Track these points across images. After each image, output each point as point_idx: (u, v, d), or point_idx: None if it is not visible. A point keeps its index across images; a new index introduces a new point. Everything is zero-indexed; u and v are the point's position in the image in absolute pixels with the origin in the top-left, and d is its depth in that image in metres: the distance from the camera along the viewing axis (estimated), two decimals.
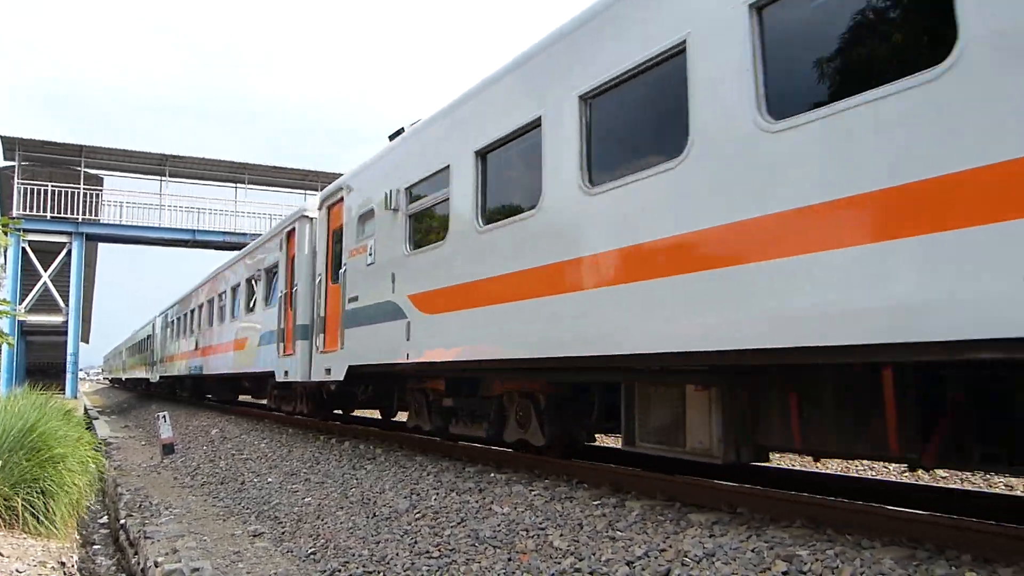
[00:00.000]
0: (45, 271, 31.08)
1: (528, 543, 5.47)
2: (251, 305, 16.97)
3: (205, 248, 35.58)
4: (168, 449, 14.01)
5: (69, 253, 31.50)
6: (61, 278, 31.77)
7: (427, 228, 8.76)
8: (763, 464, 7.31)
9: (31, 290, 31.34)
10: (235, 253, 20.91)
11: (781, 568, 4.14)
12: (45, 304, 32.37)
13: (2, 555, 6.49)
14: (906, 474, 8.88)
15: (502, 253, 7.04)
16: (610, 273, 5.73)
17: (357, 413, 15.70)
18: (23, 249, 30.24)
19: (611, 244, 5.74)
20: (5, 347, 22.80)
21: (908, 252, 3.74)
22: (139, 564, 7.13)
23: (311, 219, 12.88)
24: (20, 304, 29.38)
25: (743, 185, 4.70)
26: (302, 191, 37.20)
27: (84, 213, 32.02)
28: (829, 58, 4.46)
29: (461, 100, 8.22)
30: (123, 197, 33.79)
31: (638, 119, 5.93)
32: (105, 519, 11.15)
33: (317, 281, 12.09)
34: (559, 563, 4.95)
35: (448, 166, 8.08)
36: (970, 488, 7.77)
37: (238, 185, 35.99)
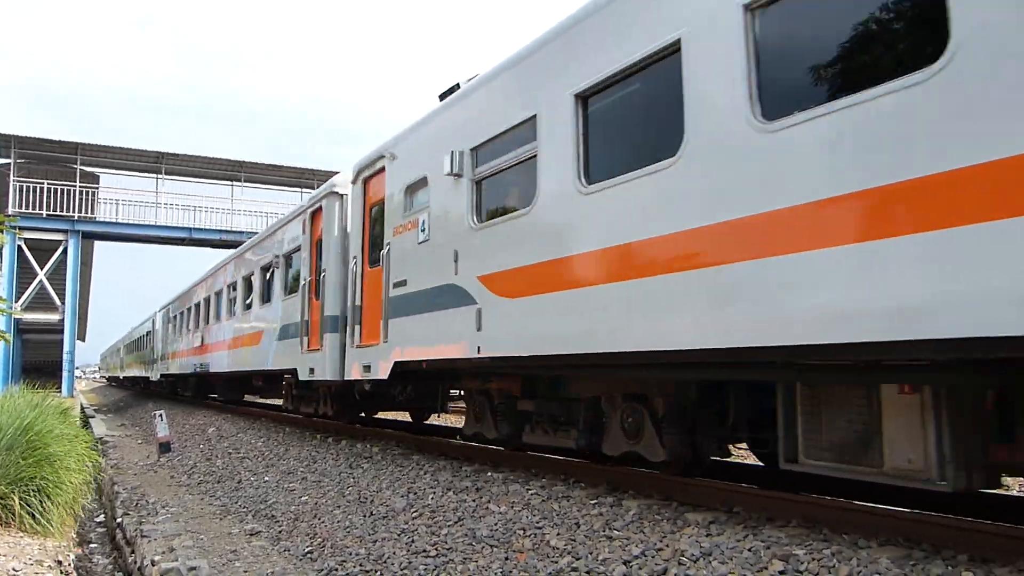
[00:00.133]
0: (41, 269, 31.05)
1: (525, 542, 5.47)
2: (266, 296, 15.40)
3: (201, 246, 35.60)
4: (165, 448, 13.99)
5: (65, 251, 31.49)
6: (57, 276, 31.76)
7: (502, 194, 7.45)
8: (761, 464, 7.32)
9: (27, 288, 31.29)
10: (245, 242, 19.12)
11: (778, 567, 4.15)
12: (41, 302, 32.33)
13: None
14: None
15: (617, 218, 5.72)
16: (798, 235, 4.36)
17: (381, 415, 14.69)
18: (19, 247, 30.21)
19: (802, 197, 4.37)
20: (1, 345, 22.77)
21: None
22: (136, 563, 7.12)
23: (341, 196, 11.43)
24: (16, 302, 29.34)
25: None
26: (298, 189, 37.24)
27: (80, 211, 32.02)
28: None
29: (554, 34, 6.71)
30: (119, 195, 33.80)
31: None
32: (102, 518, 11.14)
33: (351, 265, 10.59)
34: (556, 562, 4.96)
35: (534, 116, 6.70)
36: None
37: (234, 183, 36.00)
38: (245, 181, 36.29)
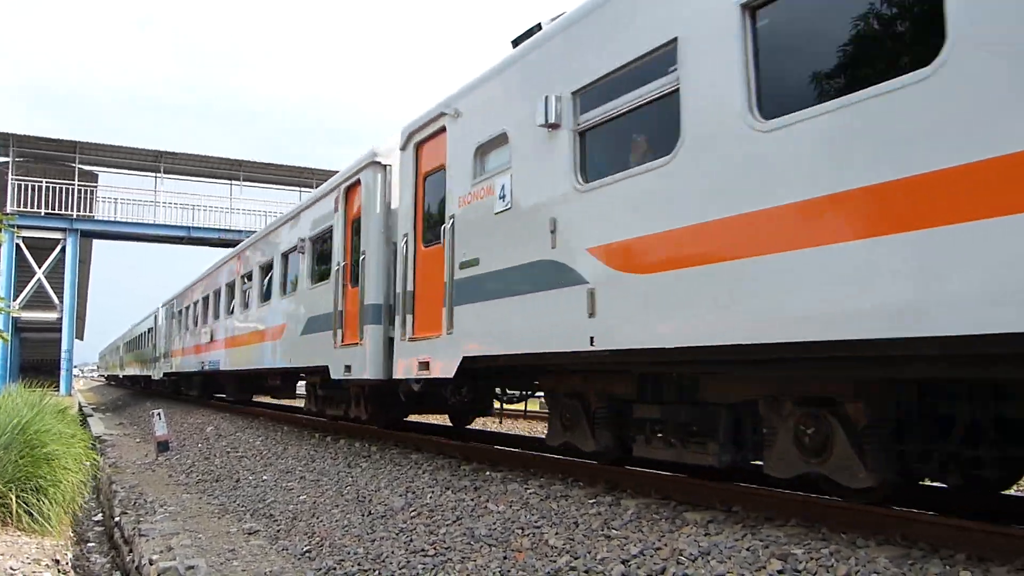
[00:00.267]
0: (39, 268, 31.04)
1: (524, 541, 5.47)
2: (289, 285, 13.86)
3: (200, 245, 35.60)
4: (163, 447, 13.98)
5: (63, 249, 31.47)
6: (55, 275, 31.75)
7: (621, 144, 6.11)
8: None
9: (25, 287, 31.28)
10: (259, 230, 17.65)
11: (776, 567, 4.15)
12: (39, 301, 32.32)
13: None
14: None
15: (820, 162, 4.35)
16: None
17: (412, 418, 13.36)
18: (17, 245, 30.21)
19: None
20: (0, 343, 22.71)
21: None
22: (134, 562, 7.12)
23: (385, 166, 9.95)
24: (14, 301, 29.32)
25: None
26: (297, 188, 37.25)
27: (78, 209, 32.00)
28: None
29: None
30: (118, 194, 33.81)
31: None
32: (100, 517, 11.12)
33: (400, 245, 9.11)
34: (554, 561, 4.96)
35: (674, 40, 5.32)
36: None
37: (233, 182, 35.99)
38: (244, 180, 36.30)
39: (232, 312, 18.14)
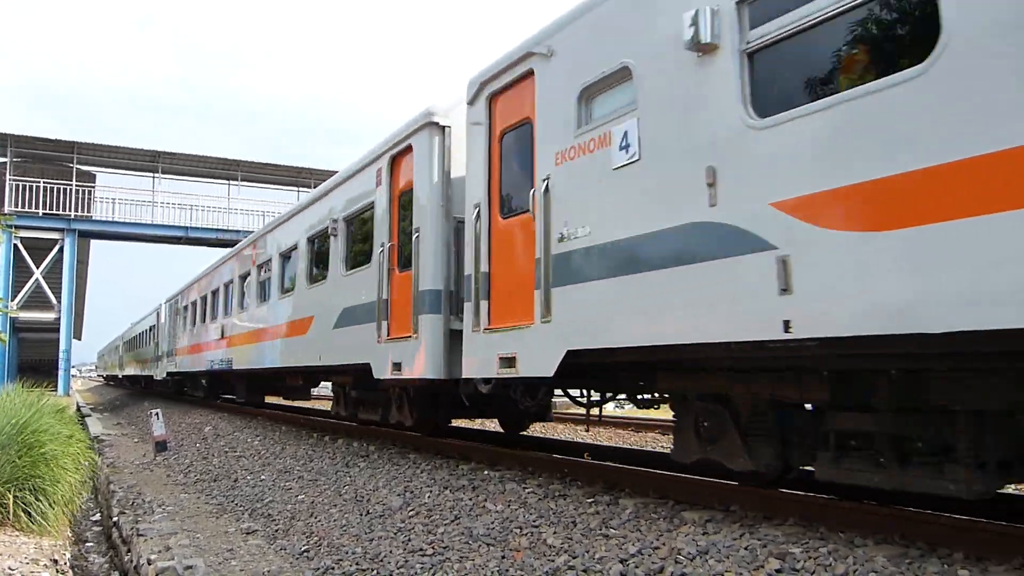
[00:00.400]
0: (37, 268, 31.00)
1: (522, 541, 5.47)
2: (316, 273, 12.35)
3: (198, 245, 35.57)
4: (161, 447, 13.96)
5: (61, 250, 31.44)
6: (53, 275, 31.71)
7: (820, 62, 4.65)
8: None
9: (23, 287, 31.25)
10: (279, 214, 15.84)
11: (774, 566, 4.15)
12: (37, 301, 32.27)
13: None
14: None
15: None
16: None
17: (456, 423, 12.38)
18: (15, 246, 30.16)
19: None
20: None
21: None
22: (132, 562, 7.11)
23: (443, 128, 8.54)
24: (12, 301, 29.30)
25: None
26: (296, 188, 37.24)
27: (76, 210, 31.97)
28: None
29: None
30: (115, 194, 33.78)
31: None
32: (98, 516, 11.11)
33: (471, 216, 7.65)
34: (553, 561, 4.96)
35: None
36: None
37: (231, 182, 35.97)
38: (242, 180, 36.27)
39: (246, 306, 16.57)
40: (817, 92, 4.56)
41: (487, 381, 7.50)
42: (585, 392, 7.97)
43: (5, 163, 31.29)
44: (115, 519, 8.82)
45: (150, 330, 33.03)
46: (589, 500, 6.08)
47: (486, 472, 7.73)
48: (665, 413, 8.52)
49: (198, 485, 10.46)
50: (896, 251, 3.91)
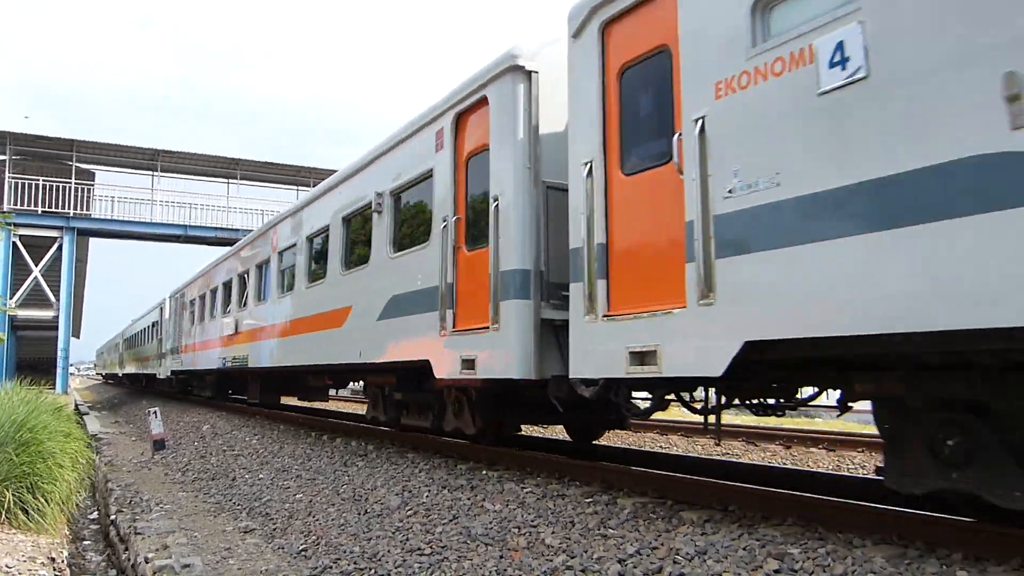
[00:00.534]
0: (36, 266, 30.98)
1: (520, 540, 5.47)
2: (355, 256, 10.82)
3: (197, 244, 35.55)
4: (159, 445, 13.96)
5: (60, 248, 31.41)
6: (52, 273, 31.69)
7: None
8: (753, 462, 7.34)
9: (22, 285, 31.23)
10: (306, 193, 14.06)
11: (773, 566, 4.15)
12: (36, 299, 32.26)
13: None
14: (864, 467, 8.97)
15: None
16: None
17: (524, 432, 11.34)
18: (14, 243, 30.16)
19: None
20: None
21: None
22: (129, 560, 7.11)
23: (529, 74, 7.19)
24: (11, 299, 29.28)
25: None
26: (295, 187, 37.25)
27: (75, 208, 31.95)
28: None
29: None
30: (115, 192, 33.77)
31: None
32: (95, 515, 11.11)
33: (580, 175, 6.16)
34: (551, 560, 4.95)
35: None
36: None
37: (230, 181, 35.96)
38: (241, 179, 36.26)
39: (264, 298, 14.95)
40: None
41: (589, 383, 6.21)
42: (679, 396, 6.49)
43: (4, 161, 31.27)
44: (113, 517, 8.81)
45: (152, 326, 31.73)
46: (587, 500, 6.08)
47: (484, 472, 7.72)
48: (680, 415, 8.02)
49: (196, 484, 10.45)
50: None
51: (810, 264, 4.32)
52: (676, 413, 11.73)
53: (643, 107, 5.95)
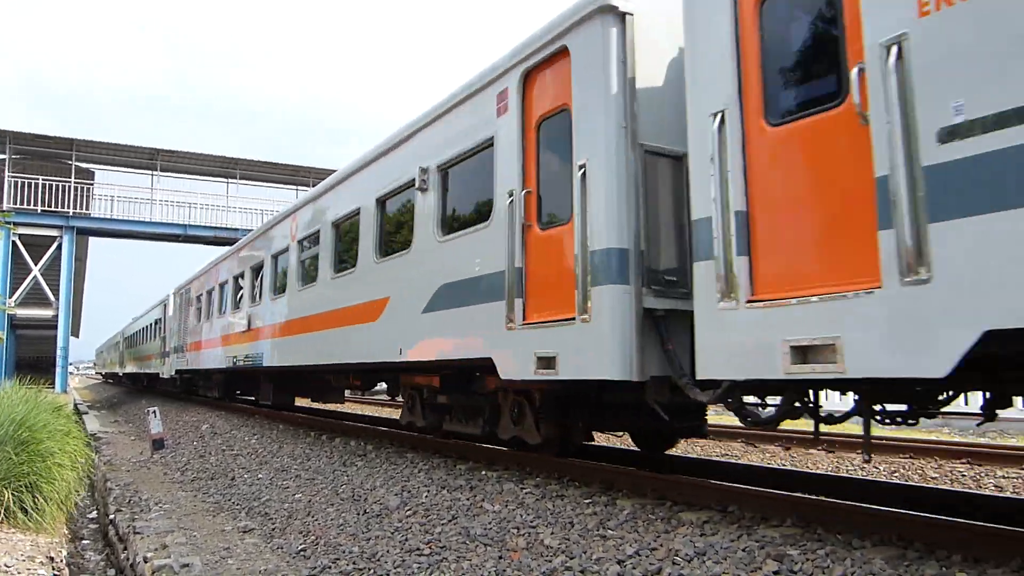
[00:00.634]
0: (35, 265, 30.97)
1: (519, 541, 5.47)
2: (392, 242, 9.65)
3: (196, 243, 35.55)
4: (158, 444, 13.96)
5: (59, 247, 31.40)
6: (51, 272, 31.68)
7: None
8: (753, 463, 7.34)
9: (21, 284, 31.22)
10: (331, 176, 12.33)
11: (772, 567, 4.15)
12: (35, 298, 32.25)
13: None
14: (896, 474, 8.92)
15: None
16: None
17: (601, 442, 10.42)
18: (13, 242, 30.15)
19: None
20: None
21: None
22: (128, 559, 7.10)
23: (623, 16, 6.05)
24: (10, 298, 29.27)
25: None
26: (294, 187, 37.25)
27: (75, 207, 31.94)
28: None
29: None
30: (114, 191, 33.77)
31: None
32: (94, 514, 11.10)
33: (713, 127, 5.06)
34: (550, 561, 4.95)
35: None
36: (960, 489, 7.80)
37: (229, 180, 35.96)
38: (240, 179, 36.25)
39: (282, 291, 13.72)
40: None
41: (709, 385, 5.33)
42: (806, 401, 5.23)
43: (4, 160, 31.25)
44: (112, 517, 8.80)
45: (155, 324, 30.54)
46: (587, 501, 6.07)
47: (483, 472, 7.72)
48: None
49: (195, 483, 10.45)
50: None
51: None
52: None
53: (795, 38, 4.88)
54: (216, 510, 8.51)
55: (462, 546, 5.62)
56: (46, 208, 31.30)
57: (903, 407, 4.88)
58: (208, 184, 36.37)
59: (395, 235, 9.66)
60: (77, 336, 56.25)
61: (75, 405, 28.36)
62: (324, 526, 6.99)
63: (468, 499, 6.75)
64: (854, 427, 14.80)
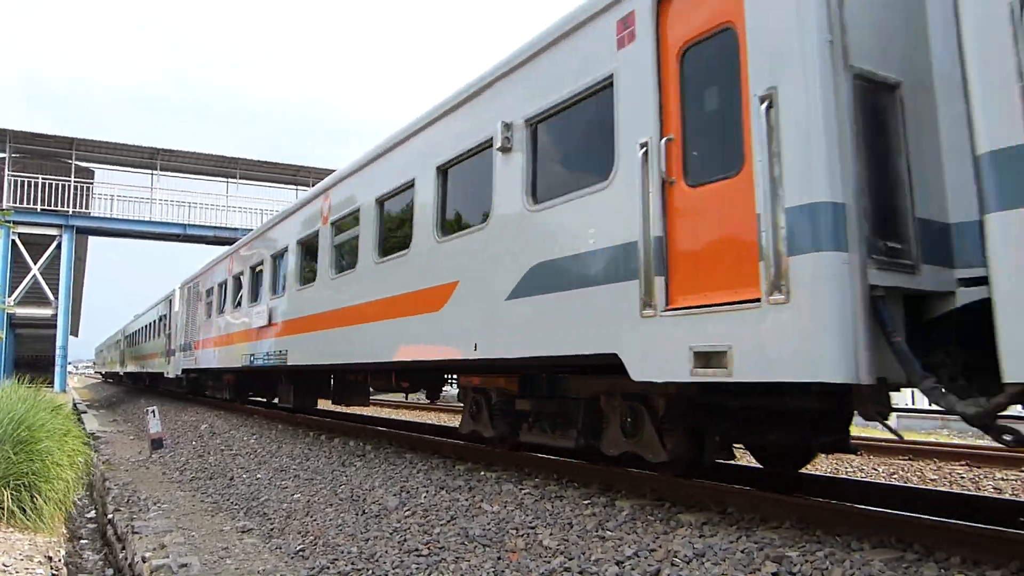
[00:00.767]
0: (35, 263, 30.96)
1: (518, 542, 5.46)
2: (459, 217, 8.19)
3: (195, 243, 35.54)
4: (157, 444, 13.95)
5: (59, 246, 31.40)
6: (51, 271, 31.67)
7: None
8: (753, 464, 7.33)
9: (20, 283, 31.21)
10: (368, 149, 10.69)
11: (771, 569, 4.14)
12: (34, 297, 32.25)
13: None
14: (895, 475, 8.91)
15: None
16: None
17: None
18: (13, 241, 30.15)
19: None
20: None
21: None
22: (127, 559, 7.10)
23: None
24: (9, 296, 29.26)
25: None
26: (294, 187, 37.26)
27: (74, 206, 31.94)
28: None
29: None
30: (114, 190, 33.77)
31: None
32: (93, 514, 11.10)
33: (1004, 14, 3.80)
34: (549, 562, 4.95)
35: None
36: (959, 491, 7.80)
37: (229, 180, 35.97)
38: (240, 178, 36.25)
39: (310, 280, 12.25)
40: None
41: (960, 392, 4.19)
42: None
43: (4, 159, 31.24)
44: (110, 516, 8.80)
45: (160, 320, 28.76)
46: (586, 502, 6.07)
47: (482, 473, 7.71)
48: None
49: (194, 483, 10.44)
50: None
51: None
52: None
53: None
54: (215, 510, 8.50)
55: (461, 547, 5.62)
56: (46, 207, 31.28)
57: None
58: (208, 184, 36.38)
59: (463, 209, 8.21)
60: (76, 335, 56.23)
61: (74, 404, 28.35)
62: (322, 526, 6.99)
63: (467, 500, 6.74)
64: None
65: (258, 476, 9.95)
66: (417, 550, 5.73)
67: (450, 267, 7.92)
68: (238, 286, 17.11)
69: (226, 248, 19.40)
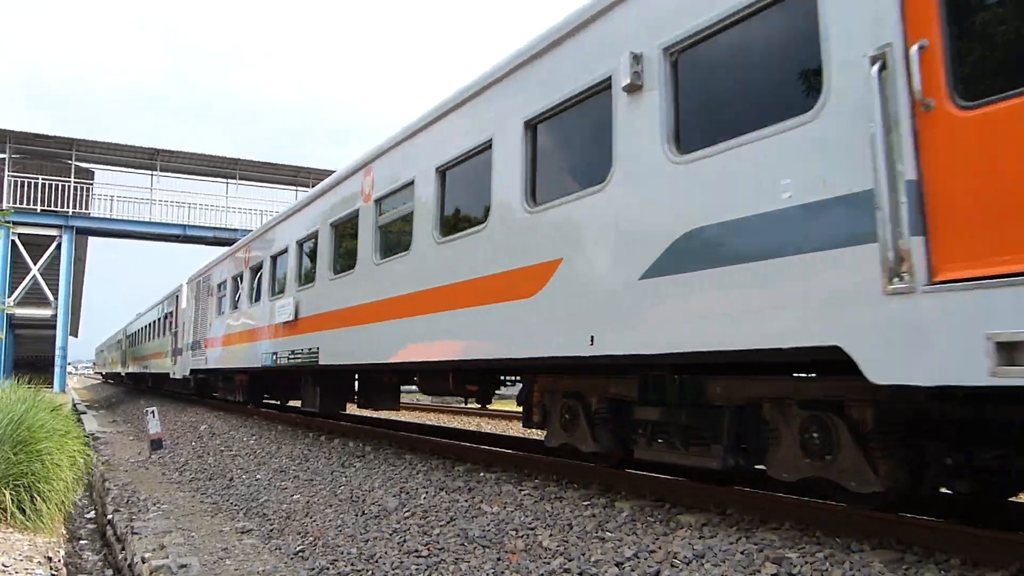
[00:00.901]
0: (35, 264, 30.97)
1: (518, 543, 5.46)
2: (559, 178, 6.65)
3: (195, 243, 35.56)
4: (156, 445, 13.94)
5: (59, 246, 31.41)
6: (50, 271, 31.68)
7: None
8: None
9: (20, 283, 31.22)
10: (428, 108, 8.81)
11: (770, 570, 4.14)
12: (34, 297, 32.26)
13: None
14: None
15: None
16: None
17: None
18: (12, 242, 30.17)
19: None
20: None
21: None
22: (126, 560, 7.09)
23: None
24: (9, 297, 29.27)
25: None
26: (294, 187, 37.27)
27: (74, 206, 31.96)
28: None
29: None
30: (114, 191, 33.79)
31: None
32: (92, 514, 11.09)
33: None
34: (548, 563, 4.95)
35: None
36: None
37: (229, 181, 35.98)
38: (240, 179, 36.26)
39: (348, 268, 10.56)
40: None
41: None
42: None
43: (4, 159, 31.25)
44: (110, 517, 8.79)
45: (165, 318, 27.00)
46: (585, 503, 6.07)
47: (482, 474, 7.71)
48: None
49: (193, 484, 10.44)
50: None
51: None
52: None
53: None
54: (214, 511, 8.50)
55: (460, 548, 5.62)
56: (46, 207, 31.30)
57: None
58: (208, 184, 36.40)
59: (565, 171, 6.71)
60: (76, 336, 56.23)
61: (74, 405, 28.35)
62: (322, 527, 6.99)
63: (466, 501, 6.74)
64: None
65: (258, 477, 9.95)
66: (417, 551, 5.73)
67: (548, 242, 6.40)
68: (257, 278, 15.38)
69: (240, 239, 18.16)
